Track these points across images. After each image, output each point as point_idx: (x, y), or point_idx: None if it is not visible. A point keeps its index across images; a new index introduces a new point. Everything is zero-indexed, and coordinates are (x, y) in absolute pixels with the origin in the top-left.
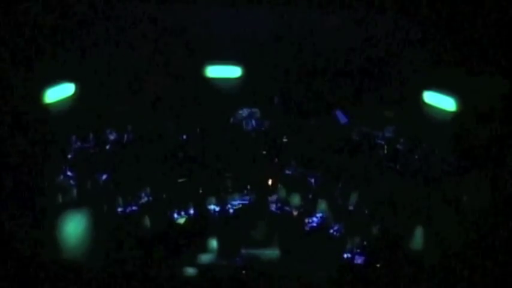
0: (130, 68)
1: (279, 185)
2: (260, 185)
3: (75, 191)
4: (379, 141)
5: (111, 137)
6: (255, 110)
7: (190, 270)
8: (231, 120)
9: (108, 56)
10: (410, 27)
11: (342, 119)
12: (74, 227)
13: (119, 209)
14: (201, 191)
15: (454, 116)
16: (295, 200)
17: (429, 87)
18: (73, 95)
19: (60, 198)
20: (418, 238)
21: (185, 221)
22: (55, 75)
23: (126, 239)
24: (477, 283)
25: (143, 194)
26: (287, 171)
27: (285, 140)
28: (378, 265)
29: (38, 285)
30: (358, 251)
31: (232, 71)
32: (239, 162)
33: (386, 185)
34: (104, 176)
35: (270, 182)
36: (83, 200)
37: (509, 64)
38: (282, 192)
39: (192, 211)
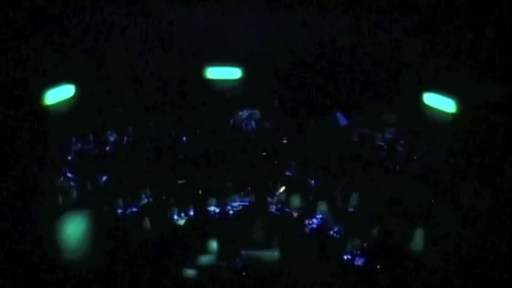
0: (130, 69)
1: (279, 186)
2: (260, 187)
3: (75, 193)
4: (379, 142)
5: (111, 139)
6: (255, 111)
7: (190, 272)
8: (231, 121)
9: (108, 58)
10: (410, 28)
11: (342, 120)
12: (73, 229)
13: (119, 211)
14: (201, 193)
15: (454, 117)
16: (295, 201)
17: (429, 89)
18: (73, 96)
19: (60, 200)
20: (418, 240)
21: (185, 223)
22: (55, 77)
23: (125, 241)
24: (478, 284)
25: (143, 196)
26: (287, 173)
27: (285, 141)
28: (378, 267)
29: (38, 286)
30: (358, 252)
31: (232, 73)
32: (239, 164)
33: (386, 186)
34: (104, 178)
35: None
36: (82, 202)
37: (509, 66)
38: (282, 194)
39: (192, 212)
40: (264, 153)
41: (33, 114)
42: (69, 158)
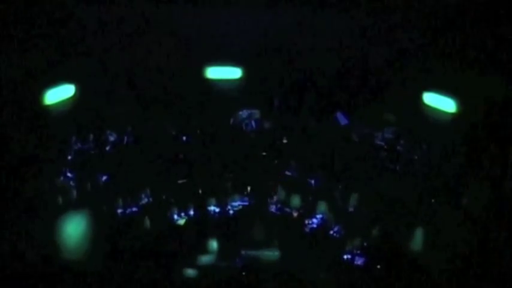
0: (129, 69)
1: (279, 186)
2: (260, 186)
3: (74, 192)
4: (379, 142)
5: (111, 138)
6: (254, 111)
7: (190, 272)
8: (231, 121)
9: (108, 57)
10: (410, 28)
11: (342, 120)
12: (73, 229)
13: (119, 210)
14: (201, 192)
15: (454, 117)
16: (295, 201)
17: (429, 89)
18: (73, 96)
19: (59, 200)
20: (418, 240)
21: (185, 222)
22: (55, 77)
23: (125, 240)
24: (478, 285)
25: (143, 195)
26: (287, 173)
27: (285, 141)
28: (378, 267)
29: (37, 286)
30: (358, 252)
31: (232, 72)
32: (239, 164)
33: (387, 186)
34: (104, 177)
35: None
36: (82, 201)
37: (509, 65)
38: (282, 194)
39: (192, 212)
40: (264, 153)
41: (33, 114)
42: (69, 157)
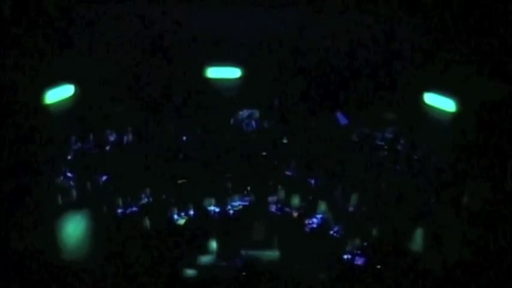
0: (130, 69)
1: (279, 186)
2: (260, 186)
3: (74, 192)
4: (380, 142)
5: (111, 138)
6: (254, 111)
7: (190, 271)
8: (231, 121)
9: (108, 58)
10: (411, 30)
11: (342, 120)
12: (73, 228)
13: (119, 210)
14: (201, 192)
15: (454, 117)
16: (295, 201)
17: (430, 89)
18: (73, 96)
19: (59, 199)
20: (418, 239)
21: (185, 222)
22: (55, 77)
23: (125, 240)
24: (477, 284)
25: (143, 195)
26: (287, 172)
27: (285, 141)
28: (378, 266)
29: (38, 286)
30: (358, 252)
31: (232, 72)
32: (239, 163)
33: (387, 186)
34: (104, 177)
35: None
36: (82, 201)
37: (508, 66)
38: (282, 193)
39: (192, 212)
40: (264, 153)
41: (34, 114)
42: (69, 157)
